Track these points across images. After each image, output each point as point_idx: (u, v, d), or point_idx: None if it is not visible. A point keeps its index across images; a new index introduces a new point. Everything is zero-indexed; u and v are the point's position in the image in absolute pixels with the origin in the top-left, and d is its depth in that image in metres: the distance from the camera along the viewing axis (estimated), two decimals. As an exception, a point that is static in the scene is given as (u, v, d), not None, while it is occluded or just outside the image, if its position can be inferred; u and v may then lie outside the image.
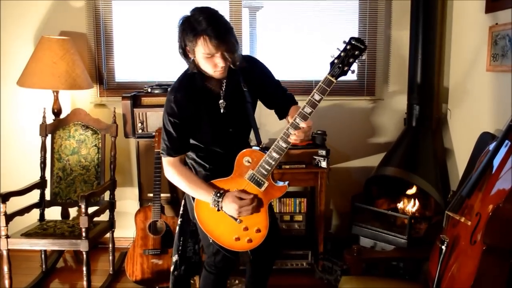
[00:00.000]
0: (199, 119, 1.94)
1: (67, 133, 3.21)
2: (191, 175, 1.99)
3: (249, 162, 1.91)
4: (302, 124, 1.79)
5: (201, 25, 1.75)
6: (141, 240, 2.95)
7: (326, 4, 3.43)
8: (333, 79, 1.77)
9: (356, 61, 1.77)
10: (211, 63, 1.83)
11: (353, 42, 1.75)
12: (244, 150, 1.92)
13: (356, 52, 1.75)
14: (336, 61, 1.77)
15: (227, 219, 1.95)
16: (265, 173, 1.89)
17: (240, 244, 1.98)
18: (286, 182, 1.97)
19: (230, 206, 1.89)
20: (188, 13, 1.82)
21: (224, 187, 1.95)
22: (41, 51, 3.13)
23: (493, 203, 1.81)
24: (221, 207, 1.91)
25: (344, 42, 1.77)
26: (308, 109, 1.79)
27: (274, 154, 1.85)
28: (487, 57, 2.67)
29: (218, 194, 1.91)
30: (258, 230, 1.96)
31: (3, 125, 3.53)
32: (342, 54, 1.76)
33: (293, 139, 1.82)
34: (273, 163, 1.86)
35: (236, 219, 1.94)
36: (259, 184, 1.91)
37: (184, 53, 1.87)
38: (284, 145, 1.84)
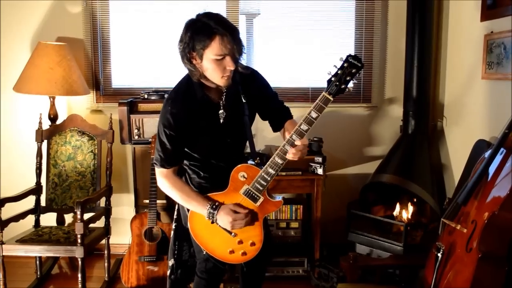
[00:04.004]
0: (196, 130, 1.91)
1: (63, 139, 3.20)
2: (185, 187, 1.97)
3: (244, 177, 1.90)
4: (298, 142, 1.79)
5: (215, 25, 1.73)
6: (137, 247, 2.94)
7: (322, 11, 3.45)
8: (330, 97, 1.77)
9: (353, 78, 1.76)
10: (220, 67, 1.78)
11: (350, 60, 1.74)
12: (240, 166, 1.91)
13: (353, 70, 1.74)
14: (333, 79, 1.76)
15: (222, 232, 1.93)
16: (261, 188, 1.88)
17: (234, 257, 1.98)
18: (281, 197, 1.97)
19: (224, 218, 1.88)
20: (194, 18, 1.79)
21: (218, 200, 1.94)
22: (38, 56, 3.13)
23: (488, 211, 1.82)
24: (216, 220, 1.90)
25: (341, 59, 1.75)
26: (304, 127, 1.79)
27: (270, 170, 1.85)
28: (483, 65, 2.69)
29: (214, 207, 1.90)
30: (253, 244, 1.96)
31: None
32: (339, 72, 1.75)
33: (290, 157, 1.82)
34: (268, 178, 1.86)
35: (230, 233, 1.93)
36: (254, 199, 1.90)
37: (189, 59, 1.80)
38: (280, 161, 1.83)
